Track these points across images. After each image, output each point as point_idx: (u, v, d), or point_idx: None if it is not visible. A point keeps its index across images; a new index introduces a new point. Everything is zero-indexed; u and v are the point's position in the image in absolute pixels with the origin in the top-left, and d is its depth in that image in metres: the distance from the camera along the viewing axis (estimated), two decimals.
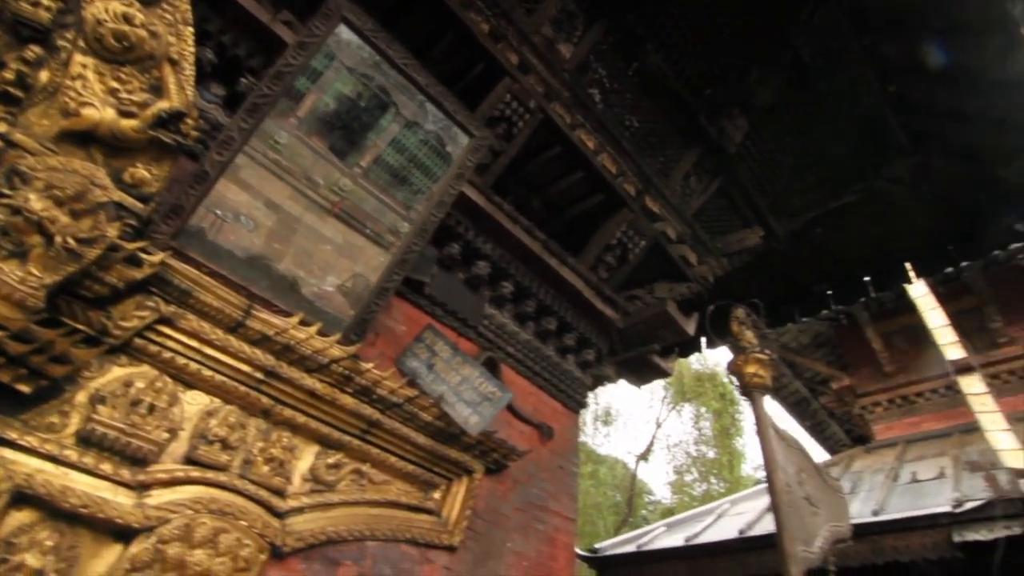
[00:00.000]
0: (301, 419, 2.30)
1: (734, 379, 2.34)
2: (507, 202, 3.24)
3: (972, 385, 5.93)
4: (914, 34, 3.82)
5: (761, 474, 10.70)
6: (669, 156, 3.91)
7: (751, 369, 2.21)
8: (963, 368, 6.09)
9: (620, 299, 3.74)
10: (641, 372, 3.93)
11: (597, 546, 7.75)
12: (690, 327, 3.66)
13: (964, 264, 6.77)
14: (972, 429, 6.49)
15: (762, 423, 2.11)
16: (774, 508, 1.90)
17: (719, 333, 3.48)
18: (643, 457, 16.24)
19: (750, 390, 2.20)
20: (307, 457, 2.32)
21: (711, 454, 16.66)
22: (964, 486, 5.47)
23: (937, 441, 7.16)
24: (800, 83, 4.12)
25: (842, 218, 4.79)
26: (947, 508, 5.05)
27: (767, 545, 5.55)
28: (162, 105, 1.95)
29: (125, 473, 1.91)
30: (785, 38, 3.97)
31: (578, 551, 7.77)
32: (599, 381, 3.82)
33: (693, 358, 16.28)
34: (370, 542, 2.36)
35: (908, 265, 5.09)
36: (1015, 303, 7.42)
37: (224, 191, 2.20)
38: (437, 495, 2.64)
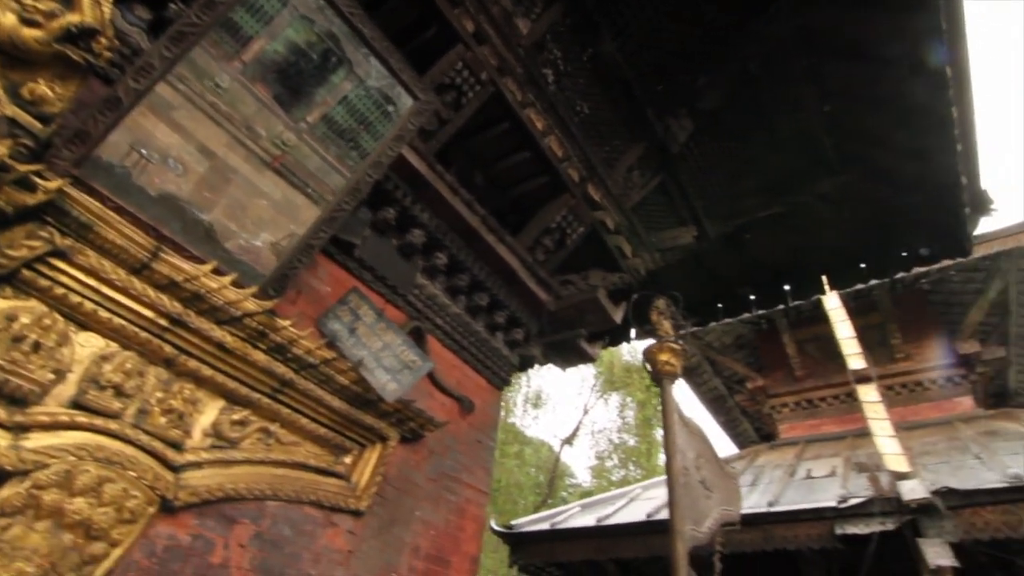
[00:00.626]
0: (207, 372, 2.20)
1: (648, 365, 2.44)
2: (450, 173, 3.19)
3: (868, 394, 6.43)
4: (851, 62, 4.03)
5: None
6: (615, 147, 3.97)
7: (664, 357, 2.31)
8: (862, 378, 6.60)
9: (554, 282, 3.80)
10: (567, 356, 4.02)
11: (513, 523, 7.93)
12: (617, 315, 3.77)
13: (873, 283, 7.33)
14: (864, 434, 7.07)
15: (668, 408, 2.21)
16: (669, 488, 2.01)
17: (643, 324, 3.61)
18: (568, 441, 16.74)
19: (661, 377, 2.30)
20: (210, 412, 2.23)
21: (632, 442, 17.38)
22: (851, 484, 5.96)
23: (833, 443, 7.77)
24: (745, 92, 4.27)
25: (770, 227, 5.04)
26: (832, 503, 5.50)
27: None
28: (72, 18, 1.78)
29: (1, 413, 1.77)
30: (737, 46, 4.09)
31: (494, 526, 7.94)
32: (526, 361, 3.88)
33: (624, 349, 16.86)
34: (272, 502, 2.31)
35: (824, 278, 5.44)
36: (914, 323, 8.11)
37: (153, 130, 2.05)
38: (348, 460, 2.61)
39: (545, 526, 7.53)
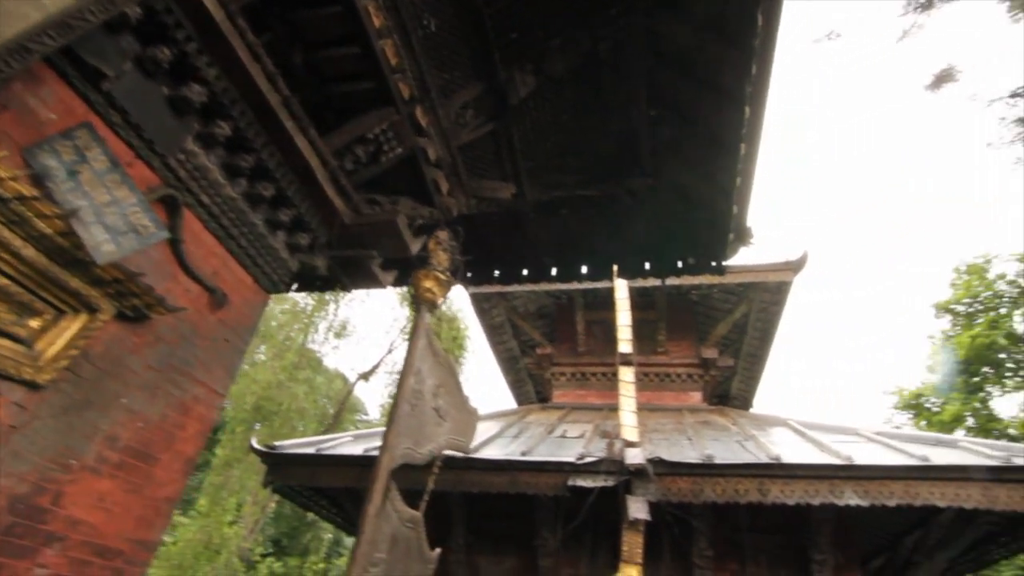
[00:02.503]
0: None
1: (411, 289, 2.43)
2: (261, 38, 2.78)
3: (627, 375, 7.37)
4: (683, 77, 4.39)
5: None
6: (455, 79, 3.84)
7: (427, 284, 2.32)
8: (626, 361, 7.53)
9: (358, 197, 3.59)
10: (356, 276, 3.86)
11: (276, 443, 7.64)
12: (415, 246, 3.71)
13: (655, 283, 8.37)
14: (617, 408, 8.17)
15: (417, 333, 2.22)
16: (393, 405, 2.04)
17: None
18: (365, 376, 16.59)
19: (420, 302, 2.30)
20: None
21: None
22: (591, 446, 6.83)
23: (592, 412, 8.83)
24: (590, 71, 4.43)
25: (584, 207, 5.40)
26: (571, 459, 6.25)
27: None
28: None
29: None
30: (594, 25, 4.21)
31: (254, 445, 7.55)
32: (307, 270, 3.63)
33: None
34: None
35: (615, 268, 6.05)
36: (678, 324, 9.49)
37: None
38: (35, 323, 2.17)
39: (310, 450, 7.39)
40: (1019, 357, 13.76)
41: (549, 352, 9.46)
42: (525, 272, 6.29)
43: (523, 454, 6.51)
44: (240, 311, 3.10)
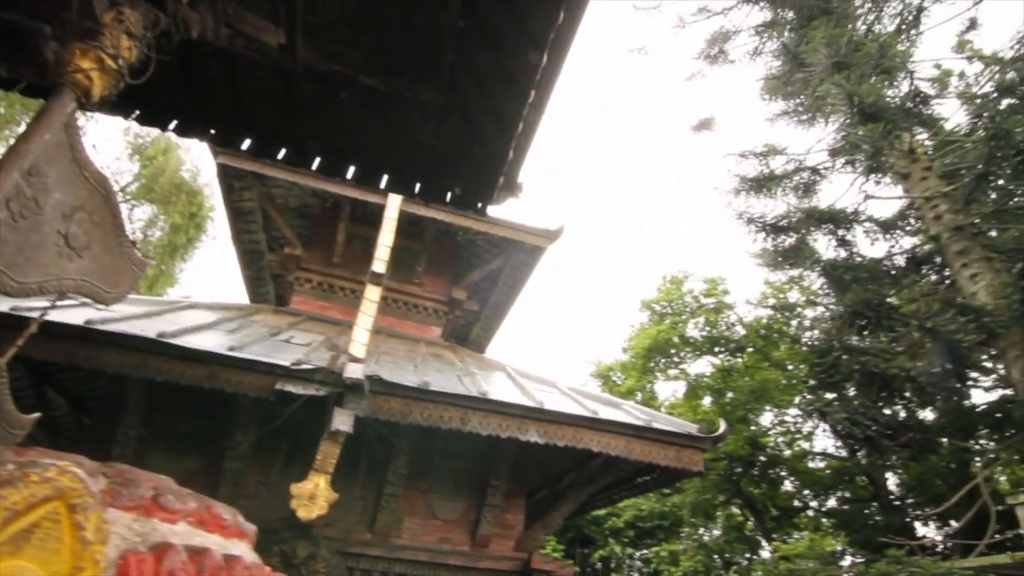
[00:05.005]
0: None
1: (53, 61, 1.75)
2: None
3: (372, 293, 7.17)
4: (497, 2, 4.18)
5: (183, 299, 10.14)
6: None
7: (85, 64, 1.68)
8: (376, 280, 7.32)
9: None
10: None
11: None
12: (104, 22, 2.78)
13: (431, 214, 8.28)
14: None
15: (46, 121, 1.61)
16: None
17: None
18: None
19: (63, 81, 1.65)
20: None
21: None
22: (313, 355, 6.50)
23: (329, 325, 8.45)
24: None
25: (367, 100, 4.92)
26: (285, 363, 5.86)
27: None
28: None
29: None
30: None
31: None
32: None
33: (190, 162, 14.40)
34: None
35: (386, 178, 5.72)
36: (439, 262, 9.65)
37: None
38: None
39: None
40: (682, 355, 17.82)
41: (298, 254, 8.70)
42: (283, 152, 5.54)
43: (231, 349, 5.87)
44: None
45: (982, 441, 13.14)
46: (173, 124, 4.70)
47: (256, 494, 6.89)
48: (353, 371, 5.96)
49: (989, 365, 12.37)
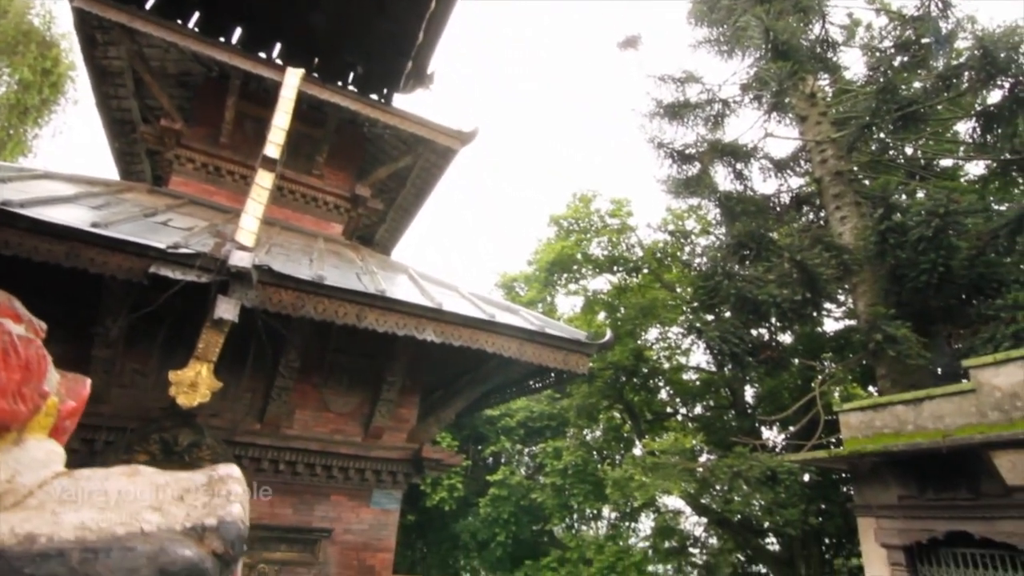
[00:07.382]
0: None
1: None
2: None
3: (264, 179, 6.61)
4: None
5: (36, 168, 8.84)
6: None
7: None
8: (269, 164, 6.74)
9: None
10: None
11: None
12: None
13: (335, 98, 7.63)
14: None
15: None
16: None
17: None
18: None
19: None
20: None
21: None
22: (193, 240, 6.00)
23: (215, 212, 7.77)
24: None
25: None
26: (160, 245, 5.37)
27: None
28: None
29: None
30: None
31: None
32: None
33: (42, 8, 12.01)
34: None
35: (279, 47, 5.14)
36: (343, 153, 9.04)
37: None
38: None
39: None
40: (584, 271, 18.62)
41: (178, 128, 7.73)
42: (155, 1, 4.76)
43: (94, 225, 5.26)
44: None
45: (827, 363, 15.26)
46: None
47: (132, 383, 6.53)
48: (240, 259, 5.60)
49: (842, 298, 14.12)
